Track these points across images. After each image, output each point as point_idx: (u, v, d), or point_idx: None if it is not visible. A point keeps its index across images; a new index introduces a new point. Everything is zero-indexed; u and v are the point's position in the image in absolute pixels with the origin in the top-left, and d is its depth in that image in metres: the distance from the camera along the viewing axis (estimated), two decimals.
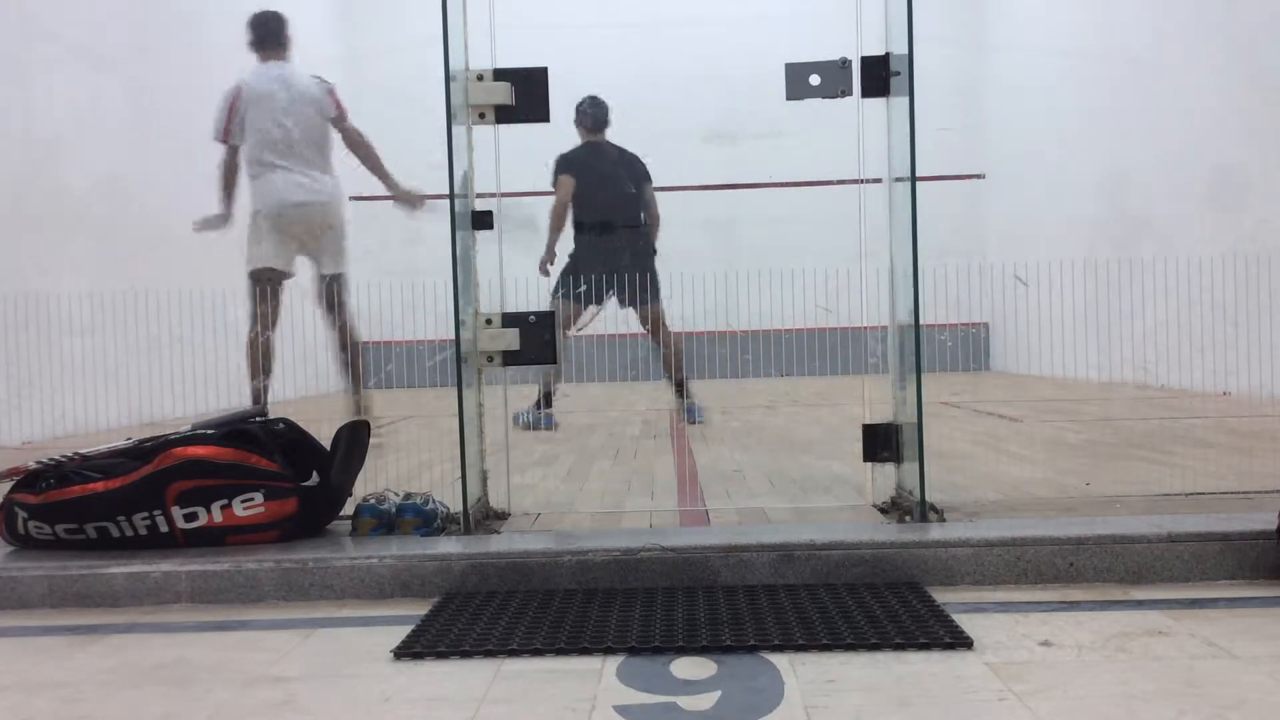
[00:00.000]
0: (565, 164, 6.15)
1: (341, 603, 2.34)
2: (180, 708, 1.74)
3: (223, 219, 5.22)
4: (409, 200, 5.59)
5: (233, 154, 5.18)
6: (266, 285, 5.12)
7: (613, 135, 7.01)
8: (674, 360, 6.04)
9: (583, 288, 5.84)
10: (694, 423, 5.75)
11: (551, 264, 6.17)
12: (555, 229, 6.14)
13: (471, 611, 2.19)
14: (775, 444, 4.58)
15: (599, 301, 5.96)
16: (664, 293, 6.20)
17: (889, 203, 2.69)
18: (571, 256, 6.17)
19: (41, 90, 6.00)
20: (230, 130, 5.17)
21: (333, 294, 5.26)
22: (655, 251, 6.28)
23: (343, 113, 5.45)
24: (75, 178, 6.30)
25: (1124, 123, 7.84)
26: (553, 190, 6.46)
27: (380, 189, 5.97)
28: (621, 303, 6.02)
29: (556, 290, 5.89)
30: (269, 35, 5.32)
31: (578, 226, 6.15)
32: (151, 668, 1.95)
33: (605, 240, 6.12)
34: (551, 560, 2.36)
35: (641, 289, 5.92)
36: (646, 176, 6.41)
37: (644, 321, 6.07)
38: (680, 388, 5.99)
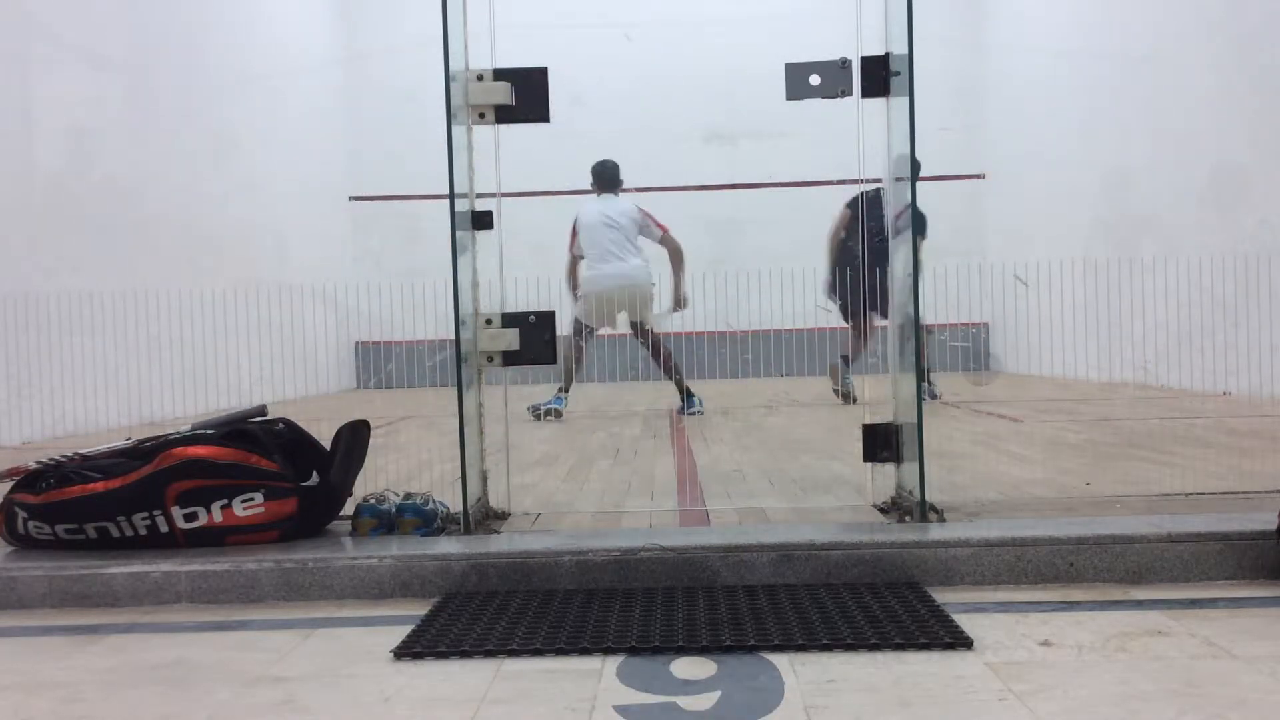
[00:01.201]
0: None
1: (341, 603, 2.34)
2: (180, 708, 1.74)
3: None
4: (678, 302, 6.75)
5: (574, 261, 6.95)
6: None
7: (611, 135, 7.13)
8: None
9: None
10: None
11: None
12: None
13: (471, 611, 2.19)
14: (775, 444, 4.58)
15: None
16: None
17: (888, 203, 2.69)
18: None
19: (41, 90, 6.01)
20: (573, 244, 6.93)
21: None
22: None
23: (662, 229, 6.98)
24: (75, 178, 6.30)
25: (1124, 123, 7.84)
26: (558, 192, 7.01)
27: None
28: None
29: None
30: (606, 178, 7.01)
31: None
32: (151, 668, 1.95)
33: None
34: (551, 560, 2.36)
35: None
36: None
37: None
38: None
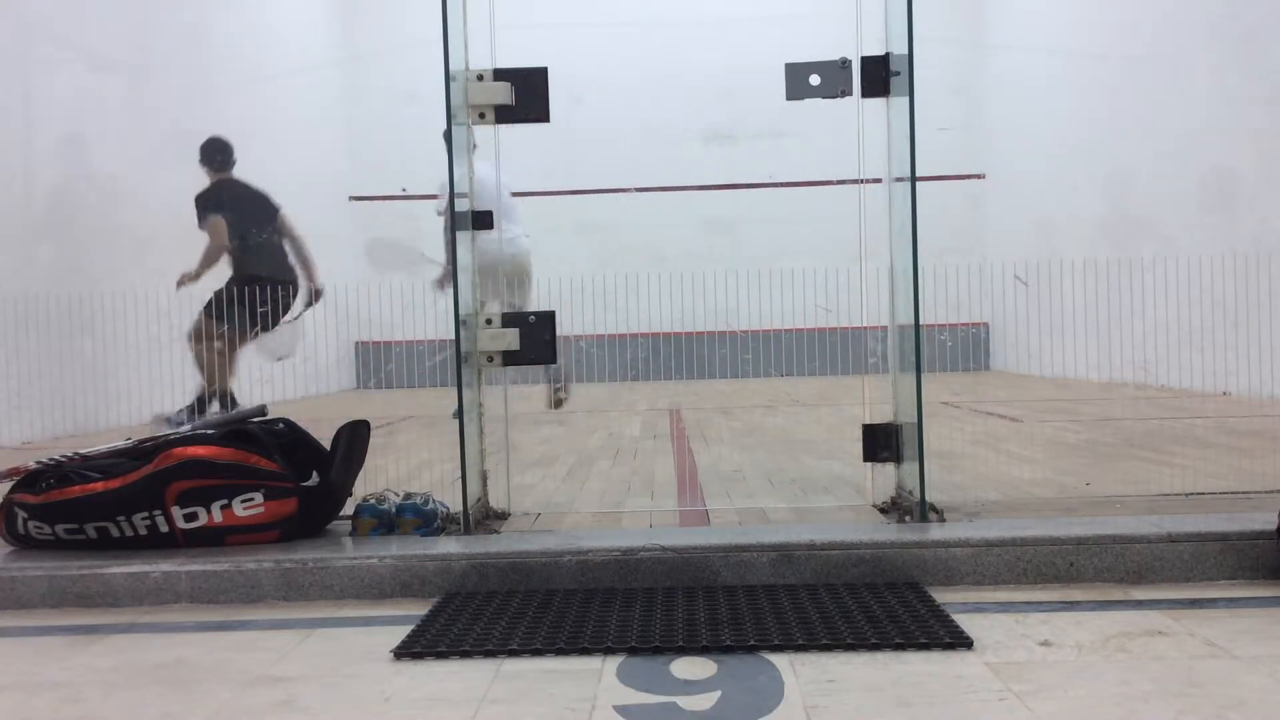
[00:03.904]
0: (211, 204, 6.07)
1: (341, 603, 2.34)
2: (180, 708, 1.74)
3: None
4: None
5: None
6: None
7: (611, 135, 7.04)
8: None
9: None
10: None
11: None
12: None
13: (471, 611, 2.19)
14: (775, 444, 4.58)
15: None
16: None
17: (889, 203, 2.69)
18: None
19: (41, 90, 6.01)
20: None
21: None
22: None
23: None
24: (75, 178, 6.29)
25: (1124, 123, 7.84)
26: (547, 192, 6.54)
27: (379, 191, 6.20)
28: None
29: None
30: None
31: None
32: (151, 668, 1.95)
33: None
34: (551, 560, 2.36)
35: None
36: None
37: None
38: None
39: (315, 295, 6.04)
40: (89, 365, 5.51)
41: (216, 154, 6.13)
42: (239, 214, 6.12)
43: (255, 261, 6.08)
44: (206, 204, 6.04)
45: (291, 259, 6.20)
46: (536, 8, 9.03)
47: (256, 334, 5.69)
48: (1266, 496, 2.75)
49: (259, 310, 5.64)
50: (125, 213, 6.73)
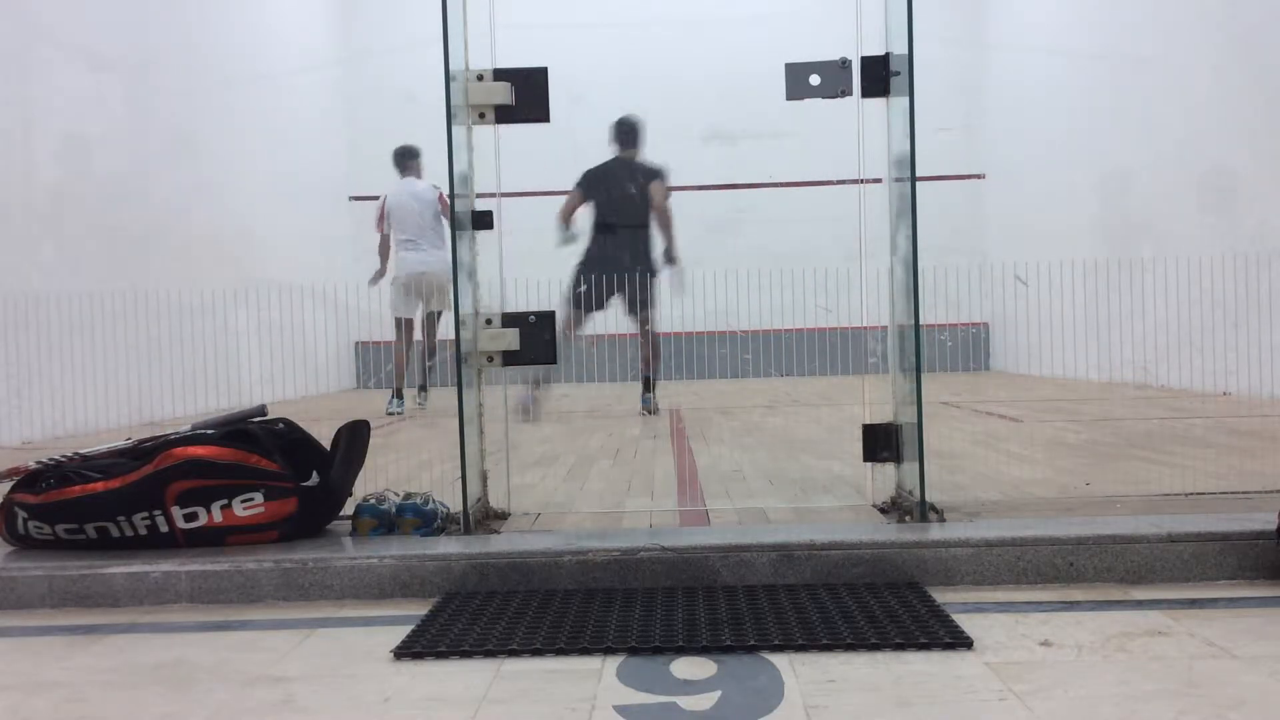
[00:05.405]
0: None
1: (341, 603, 2.34)
2: (180, 708, 1.74)
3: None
4: None
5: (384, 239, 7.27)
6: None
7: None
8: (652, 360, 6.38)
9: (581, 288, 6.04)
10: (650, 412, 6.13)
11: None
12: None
13: (471, 611, 2.19)
14: (775, 444, 4.58)
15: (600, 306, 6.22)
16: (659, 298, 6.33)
17: (889, 203, 2.69)
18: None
19: (41, 90, 6.01)
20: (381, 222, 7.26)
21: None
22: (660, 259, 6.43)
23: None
24: (76, 178, 6.30)
25: (1124, 123, 7.84)
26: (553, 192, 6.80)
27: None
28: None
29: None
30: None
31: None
32: (151, 668, 1.95)
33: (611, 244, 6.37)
34: (551, 560, 2.36)
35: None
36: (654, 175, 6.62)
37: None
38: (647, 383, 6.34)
39: (670, 259, 6.35)
40: (89, 365, 5.51)
41: (615, 131, 6.69)
42: (606, 194, 6.52)
43: (605, 244, 6.39)
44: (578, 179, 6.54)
45: (654, 230, 6.48)
46: (536, 8, 9.02)
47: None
48: (1266, 496, 2.75)
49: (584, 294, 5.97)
50: (125, 213, 6.73)
